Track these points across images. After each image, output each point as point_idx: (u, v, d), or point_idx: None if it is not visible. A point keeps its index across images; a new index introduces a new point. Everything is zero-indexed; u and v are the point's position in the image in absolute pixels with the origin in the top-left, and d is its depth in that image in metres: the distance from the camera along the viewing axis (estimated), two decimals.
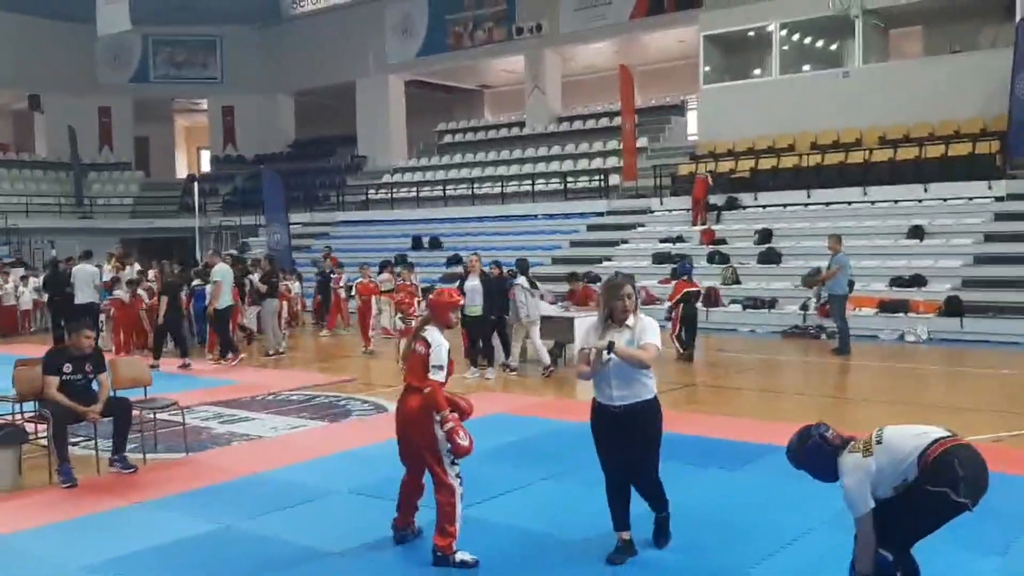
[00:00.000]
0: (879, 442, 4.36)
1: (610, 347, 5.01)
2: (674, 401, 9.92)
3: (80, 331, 7.48)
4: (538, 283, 12.98)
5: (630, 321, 5.20)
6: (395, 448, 5.58)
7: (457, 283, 12.01)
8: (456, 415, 5.34)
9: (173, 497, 6.82)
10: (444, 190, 28.66)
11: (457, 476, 5.33)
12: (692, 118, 28.40)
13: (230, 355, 13.99)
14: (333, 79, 34.26)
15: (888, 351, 14.70)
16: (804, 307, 17.06)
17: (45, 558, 5.59)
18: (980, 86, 20.29)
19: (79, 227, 31.34)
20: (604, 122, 28.47)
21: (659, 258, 20.17)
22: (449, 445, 5.30)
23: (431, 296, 5.69)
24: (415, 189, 29.46)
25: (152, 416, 8.20)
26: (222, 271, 14.19)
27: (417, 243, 25.60)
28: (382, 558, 5.46)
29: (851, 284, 14.62)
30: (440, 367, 5.30)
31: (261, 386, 11.79)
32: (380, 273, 16.65)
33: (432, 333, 5.41)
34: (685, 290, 13.51)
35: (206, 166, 40.42)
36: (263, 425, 9.44)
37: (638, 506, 5.34)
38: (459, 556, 5.23)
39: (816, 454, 4.52)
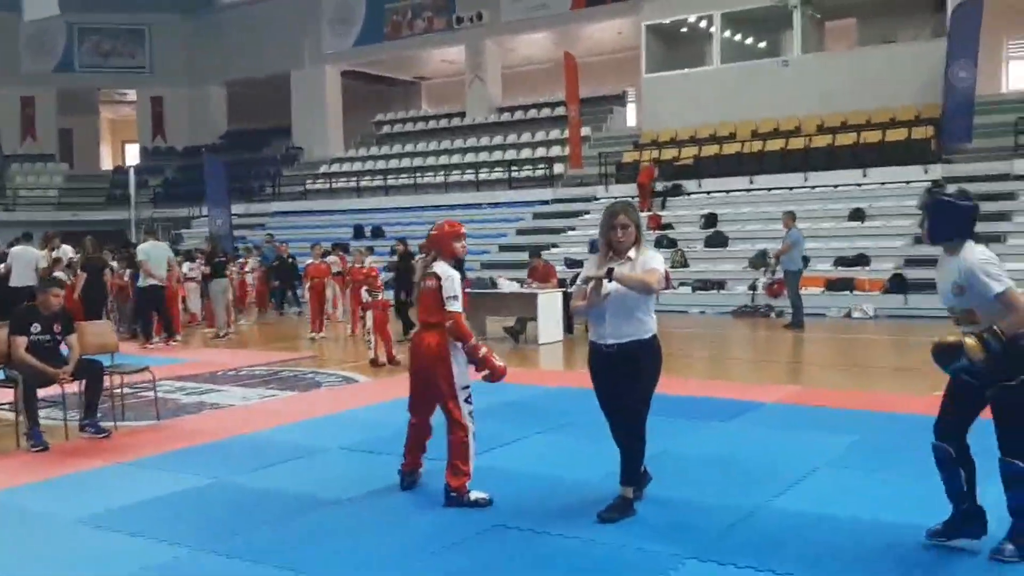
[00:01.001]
0: None
1: (609, 274, 4.63)
2: None
3: (48, 289, 7.13)
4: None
5: (632, 253, 4.82)
6: (381, 411, 5.45)
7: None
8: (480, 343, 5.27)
9: (155, 457, 6.55)
10: (385, 180, 28.36)
11: (471, 415, 5.22)
12: (633, 109, 28.65)
13: (158, 338, 13.58)
14: (267, 69, 33.58)
15: (837, 326, 15.03)
16: (753, 287, 17.32)
17: (34, 513, 5.28)
18: (914, 75, 20.92)
19: (1, 220, 30.11)
20: (546, 112, 28.51)
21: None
22: (466, 383, 5.20)
23: (432, 232, 5.51)
24: (355, 179, 29.08)
25: (121, 380, 7.87)
26: (145, 249, 13.67)
27: (359, 232, 25.25)
28: (392, 502, 5.30)
29: (806, 260, 14.89)
30: (455, 297, 5.16)
31: (220, 363, 11.45)
32: (327, 256, 16.42)
33: (440, 267, 5.26)
34: None
35: (131, 159, 39.20)
36: (232, 396, 9.14)
37: (652, 448, 5.20)
38: (473, 495, 5.12)
39: (952, 211, 4.18)
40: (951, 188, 4.29)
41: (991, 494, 4.28)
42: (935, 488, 4.57)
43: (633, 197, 21.96)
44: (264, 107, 35.57)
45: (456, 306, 5.15)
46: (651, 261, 4.83)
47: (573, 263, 18.57)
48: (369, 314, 11.27)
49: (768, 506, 5.01)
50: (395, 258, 14.25)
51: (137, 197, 30.50)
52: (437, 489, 5.25)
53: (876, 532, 4.52)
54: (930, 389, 8.64)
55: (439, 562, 4.33)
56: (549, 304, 12.91)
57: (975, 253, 4.10)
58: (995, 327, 3.95)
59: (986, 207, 17.63)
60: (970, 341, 3.97)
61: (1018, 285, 12.60)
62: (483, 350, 5.20)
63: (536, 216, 23.72)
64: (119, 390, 7.97)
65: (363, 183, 28.86)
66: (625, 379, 4.82)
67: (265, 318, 18.91)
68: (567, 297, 13.58)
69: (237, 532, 4.81)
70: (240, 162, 33.08)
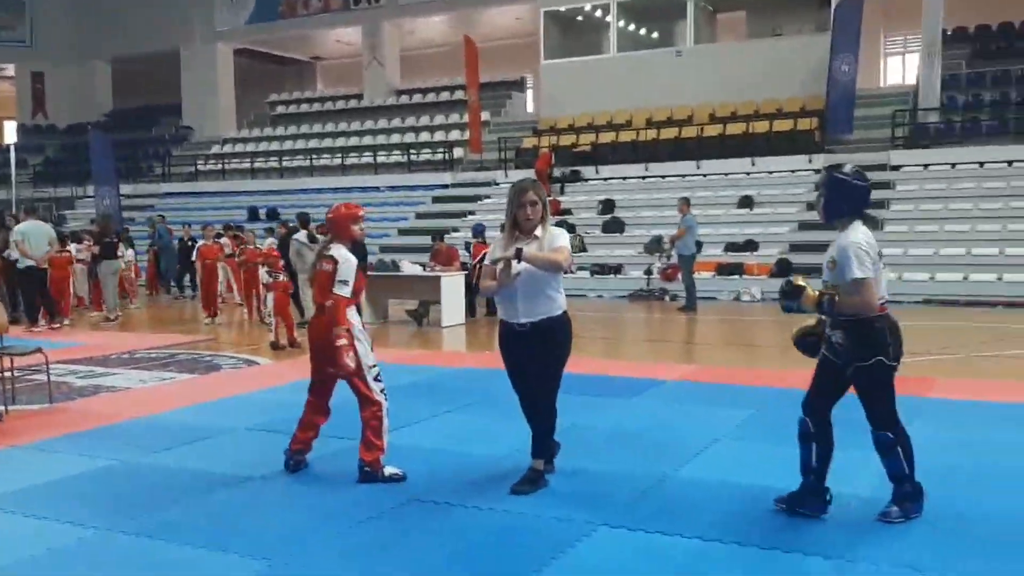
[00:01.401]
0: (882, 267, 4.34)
1: (518, 254, 4.64)
2: None
3: None
4: (319, 237, 12.66)
5: (538, 231, 4.85)
6: (287, 393, 5.40)
7: None
8: (351, 333, 5.21)
9: (52, 440, 6.33)
10: (280, 161, 27.81)
11: (382, 391, 5.26)
12: (531, 95, 28.86)
13: (44, 322, 13.10)
14: (155, 46, 32.33)
15: (728, 308, 15.59)
16: (648, 272, 17.75)
17: None
18: (800, 68, 21.78)
19: None
20: (445, 96, 28.45)
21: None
22: (372, 362, 5.22)
23: (329, 214, 5.47)
24: (248, 160, 28.42)
25: (11, 362, 7.56)
26: (23, 229, 13.11)
27: (254, 214, 24.70)
28: (305, 480, 5.30)
29: (699, 245, 15.35)
30: (345, 282, 5.17)
31: (112, 346, 11.09)
32: (220, 237, 16.05)
33: (339, 250, 5.26)
34: (483, 252, 13.78)
35: (9, 138, 37.26)
36: (128, 379, 8.89)
37: (560, 423, 5.32)
38: (387, 470, 5.17)
39: (847, 189, 4.35)
40: (848, 167, 4.43)
41: (875, 461, 4.59)
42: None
43: None
44: (152, 85, 34.30)
45: (343, 290, 5.16)
46: (558, 239, 4.87)
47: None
48: (269, 296, 11.10)
49: (673, 476, 5.22)
50: (275, 240, 14.04)
51: (16, 176, 29.05)
52: (350, 467, 5.27)
53: (770, 496, 4.75)
54: (808, 364, 9.11)
55: (356, 535, 4.37)
56: (452, 287, 12.97)
57: (855, 234, 4.28)
58: (836, 296, 4.22)
59: None
60: (811, 292, 4.27)
61: (894, 270, 13.33)
62: (341, 341, 5.10)
63: (436, 200, 23.69)
64: (9, 373, 7.66)
65: (257, 164, 28.23)
66: (539, 356, 4.89)
67: (156, 301, 18.38)
68: (469, 280, 13.68)
69: (146, 511, 4.73)
70: (127, 142, 31.86)
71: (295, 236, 12.26)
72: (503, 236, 5.04)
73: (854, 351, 4.31)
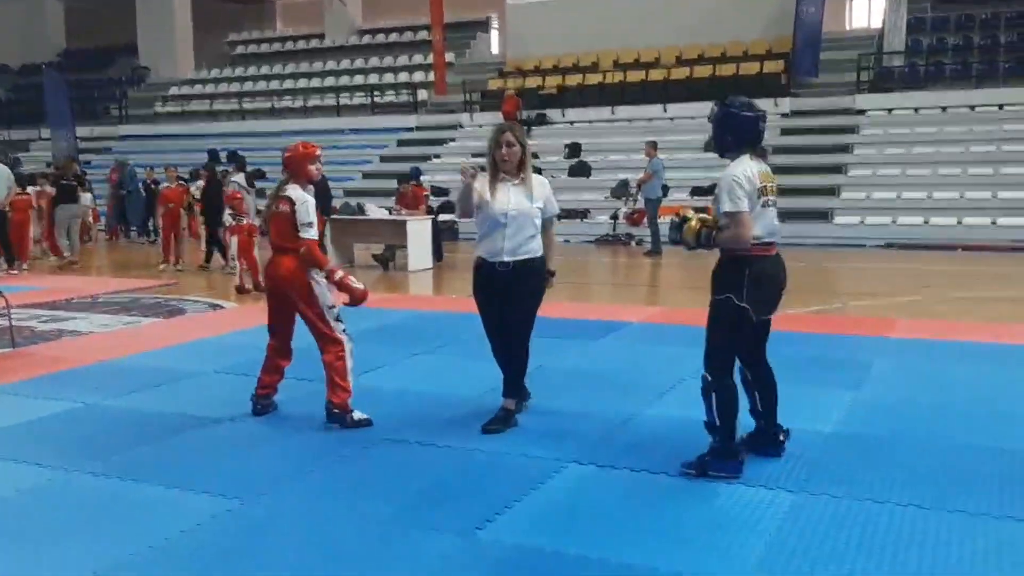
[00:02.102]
0: (767, 205, 4.25)
1: (551, 273, 4.95)
2: None
3: None
4: (256, 181, 12.64)
5: (523, 175, 4.97)
6: (254, 336, 5.35)
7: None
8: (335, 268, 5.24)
9: (15, 384, 6.26)
10: (241, 103, 27.28)
11: (344, 332, 5.23)
12: (496, 36, 28.47)
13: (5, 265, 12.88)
14: None
15: (692, 252, 15.62)
16: (614, 217, 17.76)
17: None
18: (766, 10, 21.67)
19: None
20: (408, 36, 27.98)
21: None
22: (331, 303, 5.18)
23: (286, 153, 5.35)
24: (208, 102, 27.85)
25: None
26: None
27: (215, 157, 24.24)
28: (275, 421, 5.30)
29: (665, 189, 15.36)
30: (310, 224, 5.11)
31: (74, 290, 10.94)
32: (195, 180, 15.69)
33: (294, 191, 5.18)
34: (423, 194, 13.97)
35: None
36: (92, 323, 8.78)
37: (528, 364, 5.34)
38: (356, 415, 5.16)
39: (734, 121, 4.29)
40: (739, 100, 4.37)
41: (838, 399, 4.68)
42: (788, 392, 4.94)
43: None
44: (106, 24, 33.27)
45: (311, 233, 5.10)
46: (545, 189, 5.13)
47: (439, 191, 18.52)
48: (234, 239, 10.96)
49: (641, 413, 5.30)
50: (201, 183, 13.88)
51: None
52: (318, 410, 5.26)
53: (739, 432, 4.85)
54: (797, 306, 9.24)
55: (327, 474, 4.40)
56: (419, 231, 12.89)
57: (736, 167, 4.21)
58: (713, 231, 4.24)
59: (830, 139, 18.72)
60: (693, 224, 4.31)
61: (857, 213, 13.45)
62: (339, 274, 5.19)
63: (400, 143, 23.42)
64: None
65: (217, 106, 27.68)
66: (516, 297, 4.97)
67: (116, 247, 18.09)
68: (436, 224, 13.62)
69: (114, 453, 4.71)
70: (82, 82, 31.02)
71: (233, 179, 12.06)
72: (486, 176, 5.00)
73: (713, 282, 4.33)
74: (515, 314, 5.00)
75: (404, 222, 12.82)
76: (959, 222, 15.67)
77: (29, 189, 15.35)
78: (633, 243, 16.82)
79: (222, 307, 9.83)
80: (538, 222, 5.01)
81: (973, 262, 13.18)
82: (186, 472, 4.41)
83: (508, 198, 4.91)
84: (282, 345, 5.41)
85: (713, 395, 4.24)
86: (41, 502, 4.11)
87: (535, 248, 5.00)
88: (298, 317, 5.26)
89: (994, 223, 15.47)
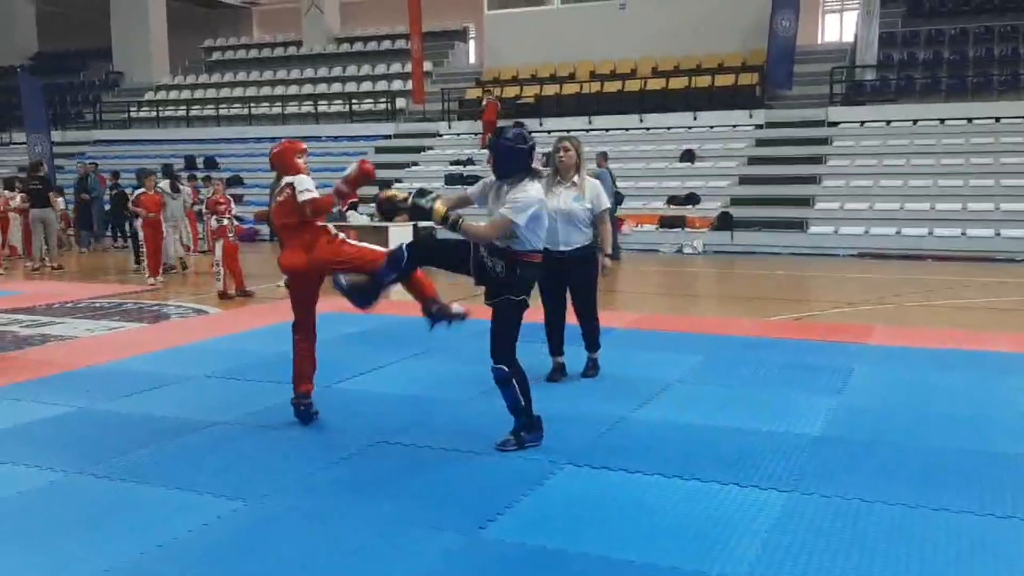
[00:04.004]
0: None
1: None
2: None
3: None
4: (180, 186, 14.35)
5: (576, 178, 5.99)
6: (241, 340, 5.39)
7: None
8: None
9: (5, 388, 6.26)
10: (217, 109, 27.18)
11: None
12: (474, 46, 28.61)
13: None
14: None
15: (671, 260, 15.89)
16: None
17: None
18: (741, 23, 21.98)
19: None
20: (387, 44, 28.04)
21: (451, 179, 20.36)
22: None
23: (273, 149, 5.46)
24: (184, 107, 27.72)
25: None
26: None
27: (191, 163, 24.17)
28: (270, 423, 5.33)
29: (619, 197, 15.59)
30: (306, 190, 5.12)
31: (54, 295, 10.89)
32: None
33: (291, 177, 5.22)
34: (350, 201, 14.03)
35: None
36: (75, 328, 8.76)
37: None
38: (454, 308, 5.14)
39: (513, 154, 4.72)
40: (512, 132, 4.84)
41: (825, 403, 4.81)
42: (773, 397, 5.12)
43: (476, 134, 22.19)
44: (79, 27, 33.07)
45: (308, 195, 5.10)
46: (590, 190, 6.09)
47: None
48: (218, 244, 10.96)
49: (632, 417, 5.41)
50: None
51: None
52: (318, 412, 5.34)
53: (728, 436, 4.97)
54: (751, 313, 9.44)
55: (328, 475, 4.46)
56: (401, 238, 12.92)
57: (524, 189, 4.63)
58: (462, 220, 4.65)
59: (804, 151, 19.01)
60: (441, 208, 4.65)
61: (830, 224, 13.72)
62: (339, 184, 5.14)
63: (379, 151, 23.45)
64: None
65: (193, 112, 27.56)
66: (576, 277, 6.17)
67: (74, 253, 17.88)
68: (417, 231, 13.66)
69: (114, 455, 4.74)
70: (54, 86, 30.74)
71: (159, 185, 12.37)
72: (547, 180, 5.76)
73: (492, 286, 4.72)
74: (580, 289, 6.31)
75: (386, 228, 12.86)
76: (930, 232, 15.98)
77: (7, 193, 15.26)
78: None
79: (206, 312, 9.84)
80: (586, 218, 6.05)
81: (945, 272, 13.47)
82: (187, 473, 4.46)
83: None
84: (308, 335, 5.41)
85: (515, 383, 4.72)
86: (45, 504, 4.14)
87: (584, 239, 6.10)
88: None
89: (963, 234, 15.80)
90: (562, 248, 5.95)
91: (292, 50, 29.49)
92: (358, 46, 28.76)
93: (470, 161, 21.43)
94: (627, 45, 22.98)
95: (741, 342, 7.75)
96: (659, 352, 7.32)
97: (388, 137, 24.01)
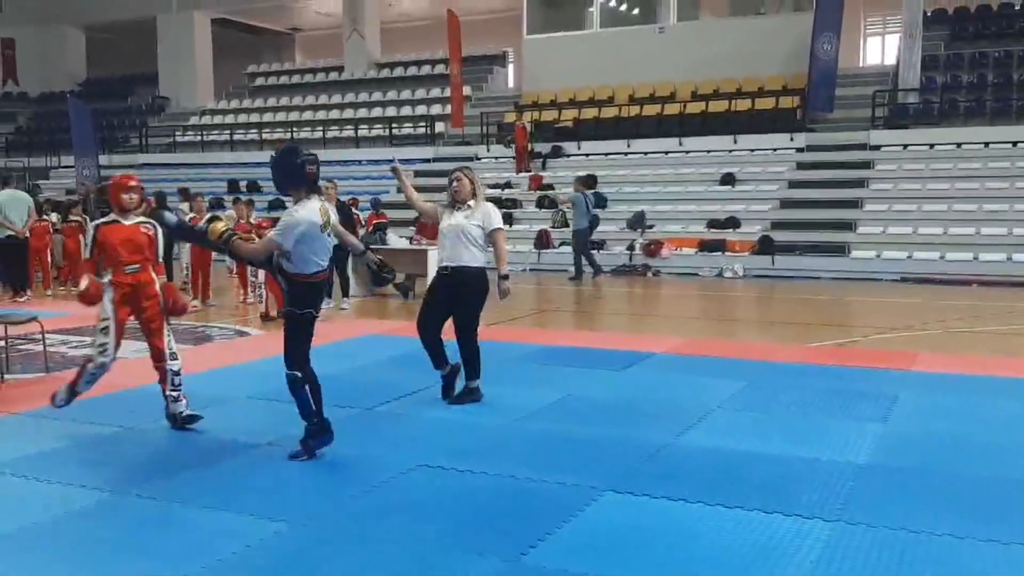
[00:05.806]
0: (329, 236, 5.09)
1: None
2: (539, 321, 10.26)
3: None
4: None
5: (472, 203, 6.23)
6: (282, 363, 5.33)
7: None
8: None
9: (51, 408, 6.34)
10: (260, 133, 27.62)
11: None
12: (512, 70, 28.81)
13: (21, 291, 13.06)
14: (130, 13, 31.85)
15: (710, 284, 15.79)
16: (631, 247, 17.90)
17: None
18: (782, 46, 21.91)
19: None
20: (427, 69, 28.34)
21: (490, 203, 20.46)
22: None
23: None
24: (228, 132, 28.21)
25: (5, 330, 7.57)
26: (1, 199, 13.04)
27: (234, 186, 24.57)
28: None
29: (595, 219, 16.33)
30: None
31: (99, 317, 11.04)
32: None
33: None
34: (375, 222, 14.67)
35: None
36: (122, 349, 8.85)
37: (556, 393, 5.47)
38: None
39: (285, 169, 4.95)
40: (284, 147, 5.34)
41: (871, 431, 4.74)
42: (817, 424, 5.03)
43: (514, 158, 22.30)
44: (127, 54, 33.84)
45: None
46: (483, 213, 6.29)
47: None
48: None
49: (673, 443, 5.37)
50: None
51: None
52: (355, 435, 5.38)
53: (772, 463, 4.92)
54: (793, 339, 9.33)
55: (368, 499, 4.47)
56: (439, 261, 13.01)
57: (302, 210, 4.89)
58: (232, 238, 5.10)
59: (845, 174, 18.85)
60: (220, 226, 5.13)
61: (873, 248, 13.58)
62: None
63: (418, 174, 23.62)
64: (3, 342, 7.67)
65: (236, 136, 28.03)
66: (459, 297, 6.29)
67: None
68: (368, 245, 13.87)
69: (158, 476, 4.81)
70: (102, 111, 31.44)
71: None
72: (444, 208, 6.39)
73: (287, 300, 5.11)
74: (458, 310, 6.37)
75: (424, 251, 12.97)
76: (975, 257, 15.74)
77: (54, 216, 15.57)
78: (650, 273, 16.95)
79: (248, 334, 9.96)
80: (477, 239, 6.18)
81: (990, 297, 13.24)
82: (230, 495, 4.50)
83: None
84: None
85: (307, 387, 4.99)
86: (92, 524, 4.20)
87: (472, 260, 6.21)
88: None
89: (1009, 259, 15.53)
90: (446, 264, 6.19)
91: (333, 75, 29.91)
92: (398, 71, 29.10)
93: (508, 185, 21.53)
94: (666, 69, 23.01)
95: (783, 368, 7.68)
96: (700, 377, 7.27)
97: (428, 161, 24.19)
